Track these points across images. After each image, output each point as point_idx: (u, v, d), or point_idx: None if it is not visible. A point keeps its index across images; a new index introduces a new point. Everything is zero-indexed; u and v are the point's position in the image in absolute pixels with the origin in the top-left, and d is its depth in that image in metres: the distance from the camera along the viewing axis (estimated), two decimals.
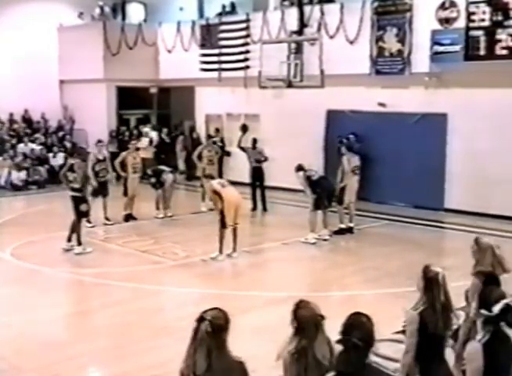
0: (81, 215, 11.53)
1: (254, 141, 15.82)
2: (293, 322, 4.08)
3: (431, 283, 4.60)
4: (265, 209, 15.58)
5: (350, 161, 12.93)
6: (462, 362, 4.30)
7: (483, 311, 4.09)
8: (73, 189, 11.57)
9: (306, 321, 4.05)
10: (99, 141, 14.34)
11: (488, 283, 4.84)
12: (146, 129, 21.26)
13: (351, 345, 3.53)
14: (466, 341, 4.96)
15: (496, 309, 3.99)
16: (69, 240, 11.51)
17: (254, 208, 15.52)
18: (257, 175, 15.61)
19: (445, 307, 4.61)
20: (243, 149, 16.08)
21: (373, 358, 3.64)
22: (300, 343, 4.03)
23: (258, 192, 15.68)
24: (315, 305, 4.16)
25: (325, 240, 12.35)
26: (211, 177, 12.89)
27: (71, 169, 11.71)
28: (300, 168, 12.53)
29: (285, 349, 4.07)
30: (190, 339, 3.68)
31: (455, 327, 4.97)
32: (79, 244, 11.44)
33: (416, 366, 4.56)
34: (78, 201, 11.46)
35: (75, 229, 11.47)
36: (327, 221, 12.55)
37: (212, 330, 3.63)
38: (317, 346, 4.03)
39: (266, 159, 15.70)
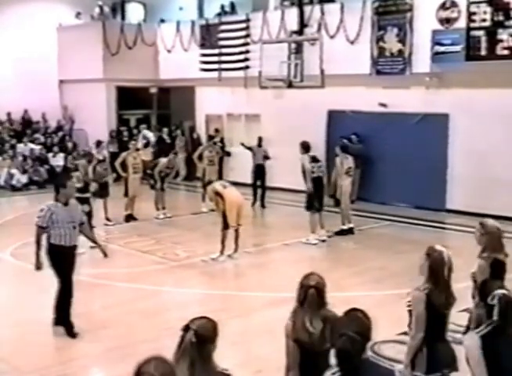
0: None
1: (260, 139, 16.16)
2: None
3: (436, 264, 4.57)
4: (263, 206, 15.72)
5: (343, 163, 12.74)
6: None
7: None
8: (76, 190, 11.52)
9: (299, 288, 4.28)
10: (99, 142, 14.28)
11: (494, 266, 4.79)
12: (144, 131, 21.20)
13: (348, 339, 3.50)
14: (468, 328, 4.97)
15: (493, 300, 3.98)
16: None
17: (254, 203, 15.59)
18: (260, 172, 15.76)
19: (447, 285, 4.61)
20: (249, 148, 16.21)
21: (369, 353, 3.62)
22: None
23: (259, 191, 15.77)
24: (320, 278, 4.30)
25: (323, 240, 12.32)
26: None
27: (76, 170, 11.83)
28: (306, 147, 12.32)
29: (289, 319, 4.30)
30: (176, 348, 3.53)
31: None
32: None
33: (423, 347, 4.55)
34: (80, 202, 11.39)
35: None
36: (323, 221, 12.49)
37: (197, 341, 3.45)
38: (306, 314, 4.20)
39: (269, 158, 15.91)
